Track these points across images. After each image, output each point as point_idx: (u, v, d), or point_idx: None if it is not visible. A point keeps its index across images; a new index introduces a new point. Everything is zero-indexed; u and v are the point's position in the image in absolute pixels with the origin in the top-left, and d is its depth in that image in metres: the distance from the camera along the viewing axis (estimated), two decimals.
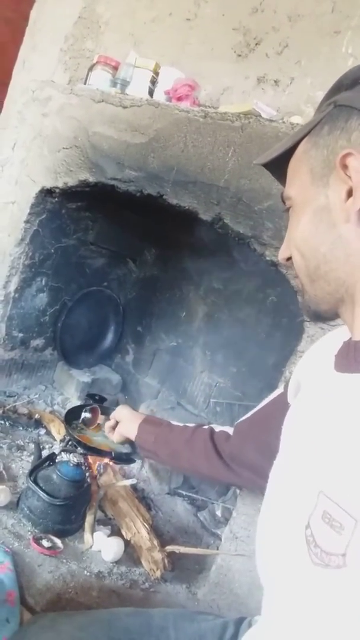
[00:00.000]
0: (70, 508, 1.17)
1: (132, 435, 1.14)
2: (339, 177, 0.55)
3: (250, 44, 1.38)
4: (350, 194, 0.54)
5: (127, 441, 1.21)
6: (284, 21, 1.33)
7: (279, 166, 0.68)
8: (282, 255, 0.68)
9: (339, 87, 0.61)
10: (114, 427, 1.22)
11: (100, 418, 1.37)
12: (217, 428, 1.06)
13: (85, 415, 1.35)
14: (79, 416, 1.46)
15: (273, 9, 1.35)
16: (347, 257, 0.56)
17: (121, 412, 1.21)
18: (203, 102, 1.43)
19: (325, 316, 0.64)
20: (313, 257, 0.59)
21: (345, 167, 0.54)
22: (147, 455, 1.18)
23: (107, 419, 1.29)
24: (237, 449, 0.98)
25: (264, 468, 0.93)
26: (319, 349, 0.75)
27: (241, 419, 1.02)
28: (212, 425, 1.08)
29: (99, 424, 1.38)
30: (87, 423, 1.36)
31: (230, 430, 1.03)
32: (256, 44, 1.37)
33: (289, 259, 0.66)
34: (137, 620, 0.81)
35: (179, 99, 1.36)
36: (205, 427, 1.07)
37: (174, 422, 1.13)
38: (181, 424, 1.11)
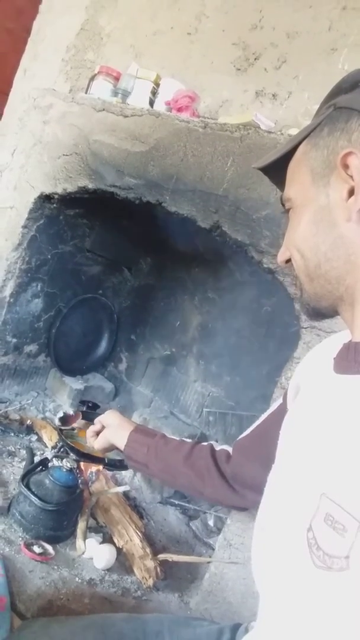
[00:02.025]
0: (62, 514, 1.15)
1: (120, 444, 1.03)
2: (340, 177, 0.56)
3: (250, 59, 1.42)
4: (351, 193, 0.55)
5: (112, 448, 1.09)
6: (282, 37, 1.36)
7: (277, 171, 0.69)
8: (281, 258, 0.68)
9: (337, 91, 0.62)
10: (98, 433, 1.10)
11: (81, 423, 1.29)
12: (217, 447, 1.00)
13: (66, 413, 1.31)
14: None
15: (272, 25, 1.39)
16: (348, 256, 0.57)
17: (109, 417, 1.09)
18: (202, 114, 1.45)
19: (325, 312, 0.64)
20: (313, 256, 0.60)
21: (346, 166, 0.55)
22: (136, 468, 1.07)
23: (89, 424, 1.18)
24: (239, 468, 0.92)
25: None
26: (317, 353, 0.76)
27: (240, 437, 0.96)
28: (212, 443, 1.02)
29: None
30: (63, 422, 1.29)
31: (229, 448, 0.98)
32: (255, 59, 1.41)
33: (288, 261, 0.66)
34: (131, 626, 0.80)
35: (179, 109, 1.38)
36: (205, 444, 1.01)
37: (169, 435, 1.04)
38: (177, 438, 1.03)
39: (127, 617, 0.84)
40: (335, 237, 0.57)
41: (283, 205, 0.68)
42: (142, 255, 1.97)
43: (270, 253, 1.13)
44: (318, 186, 0.59)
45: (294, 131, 1.22)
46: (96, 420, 1.13)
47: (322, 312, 0.64)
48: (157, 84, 1.46)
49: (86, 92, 1.57)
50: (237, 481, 0.93)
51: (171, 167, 1.29)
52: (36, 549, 1.09)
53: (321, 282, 0.60)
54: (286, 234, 0.66)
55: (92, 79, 1.58)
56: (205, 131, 1.24)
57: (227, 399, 1.75)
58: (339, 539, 0.45)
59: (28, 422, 1.59)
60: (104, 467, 1.35)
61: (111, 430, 1.07)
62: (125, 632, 0.78)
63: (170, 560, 1.18)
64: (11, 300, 1.60)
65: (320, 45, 1.31)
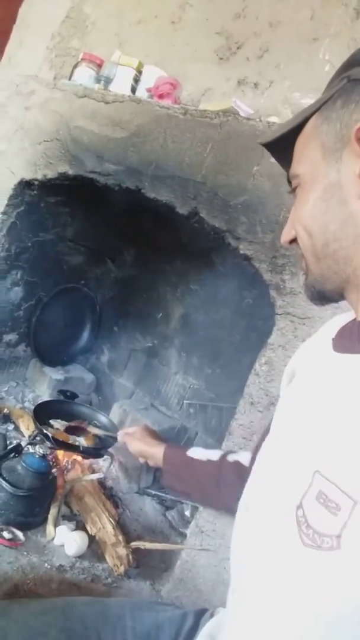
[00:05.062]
0: (34, 500, 1.14)
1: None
2: (353, 151, 0.53)
3: (232, 48, 1.42)
4: None
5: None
6: (264, 27, 1.36)
7: (283, 147, 0.65)
8: (285, 238, 0.64)
9: (351, 63, 0.59)
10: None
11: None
12: (245, 458, 0.96)
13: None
14: (48, 411, 1.44)
15: (255, 15, 1.39)
16: (358, 236, 0.54)
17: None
18: (185, 102, 1.45)
19: (330, 296, 0.61)
20: (322, 235, 0.57)
21: None
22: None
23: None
24: None
25: None
26: (315, 339, 0.74)
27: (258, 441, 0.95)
28: (238, 460, 0.97)
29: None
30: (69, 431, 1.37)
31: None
32: (237, 48, 1.41)
33: (293, 241, 0.63)
34: (92, 610, 0.79)
35: (161, 96, 1.37)
36: (231, 461, 0.97)
37: (196, 457, 1.03)
38: (203, 458, 1.02)
39: (88, 600, 0.83)
40: (346, 216, 0.54)
41: (290, 183, 0.65)
42: (126, 247, 1.96)
43: (247, 239, 1.13)
44: (329, 162, 0.56)
45: (274, 119, 1.22)
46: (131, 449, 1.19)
47: (326, 296, 0.61)
48: (140, 71, 1.45)
49: (69, 79, 1.56)
50: None
51: (151, 153, 1.28)
52: (5, 534, 1.07)
53: (328, 263, 0.57)
54: (292, 213, 0.63)
55: (75, 66, 1.57)
56: (185, 118, 1.24)
57: (207, 391, 1.74)
58: (331, 518, 0.44)
59: (5, 410, 1.57)
60: (78, 455, 1.35)
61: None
62: (87, 616, 0.77)
63: (142, 547, 1.17)
64: None
65: (302, 34, 1.31)
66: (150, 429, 1.25)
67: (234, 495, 0.91)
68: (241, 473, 0.94)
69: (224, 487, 0.96)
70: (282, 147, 0.65)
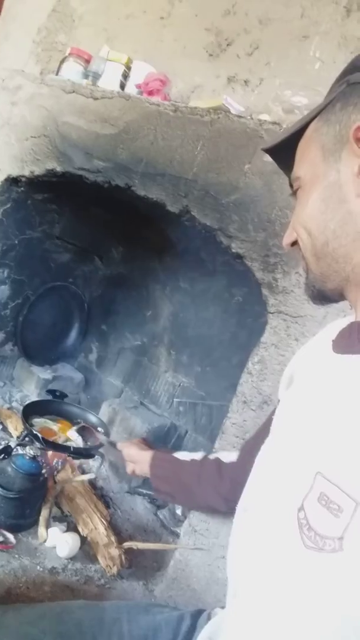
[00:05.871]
0: (24, 502, 1.13)
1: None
2: (352, 151, 0.54)
3: (222, 45, 1.41)
4: None
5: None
6: (254, 24, 1.36)
7: (285, 152, 0.66)
8: (286, 240, 0.65)
9: (351, 69, 0.60)
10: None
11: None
12: (227, 457, 0.98)
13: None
14: (37, 411, 1.43)
15: (244, 11, 1.38)
16: (357, 233, 0.54)
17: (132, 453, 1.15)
18: (174, 99, 1.44)
19: (330, 296, 0.61)
20: (321, 233, 0.57)
21: (358, 140, 0.53)
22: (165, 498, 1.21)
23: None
24: (243, 469, 0.87)
25: None
26: (313, 342, 0.74)
27: (247, 439, 0.98)
28: (218, 457, 1.00)
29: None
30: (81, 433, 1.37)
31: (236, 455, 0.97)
32: (227, 45, 1.40)
33: (294, 243, 0.64)
34: (88, 614, 0.78)
35: (150, 93, 1.36)
36: (212, 458, 1.01)
37: (181, 457, 1.06)
38: (187, 458, 1.05)
39: (84, 604, 0.82)
40: (344, 214, 0.55)
41: (291, 187, 0.65)
42: (114, 244, 1.94)
43: (239, 238, 1.12)
44: (328, 162, 0.57)
45: (264, 117, 1.21)
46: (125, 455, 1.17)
47: (326, 295, 0.62)
48: (129, 67, 1.44)
49: (56, 74, 1.54)
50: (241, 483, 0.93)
51: (141, 150, 1.27)
52: None
53: (328, 261, 0.58)
54: (293, 215, 0.63)
55: (62, 61, 1.54)
56: (176, 115, 1.23)
57: (197, 389, 1.73)
58: (332, 520, 0.44)
59: None
60: (69, 456, 1.33)
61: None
62: (83, 621, 0.76)
63: (135, 548, 1.16)
64: None
65: (292, 32, 1.31)
66: (148, 442, 1.26)
67: (214, 490, 0.96)
68: (220, 468, 0.97)
69: (204, 482, 0.98)
70: (284, 152, 0.66)
